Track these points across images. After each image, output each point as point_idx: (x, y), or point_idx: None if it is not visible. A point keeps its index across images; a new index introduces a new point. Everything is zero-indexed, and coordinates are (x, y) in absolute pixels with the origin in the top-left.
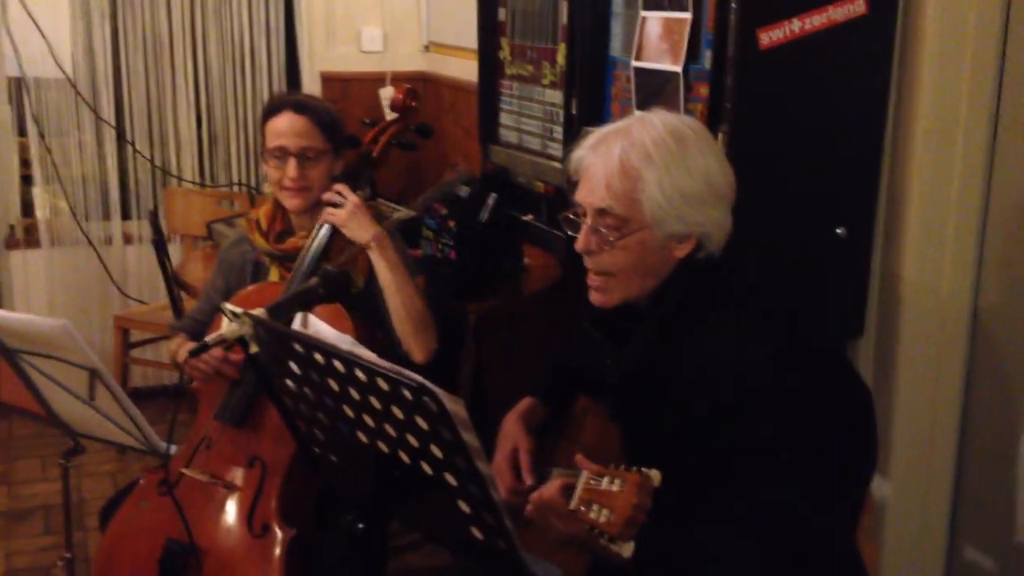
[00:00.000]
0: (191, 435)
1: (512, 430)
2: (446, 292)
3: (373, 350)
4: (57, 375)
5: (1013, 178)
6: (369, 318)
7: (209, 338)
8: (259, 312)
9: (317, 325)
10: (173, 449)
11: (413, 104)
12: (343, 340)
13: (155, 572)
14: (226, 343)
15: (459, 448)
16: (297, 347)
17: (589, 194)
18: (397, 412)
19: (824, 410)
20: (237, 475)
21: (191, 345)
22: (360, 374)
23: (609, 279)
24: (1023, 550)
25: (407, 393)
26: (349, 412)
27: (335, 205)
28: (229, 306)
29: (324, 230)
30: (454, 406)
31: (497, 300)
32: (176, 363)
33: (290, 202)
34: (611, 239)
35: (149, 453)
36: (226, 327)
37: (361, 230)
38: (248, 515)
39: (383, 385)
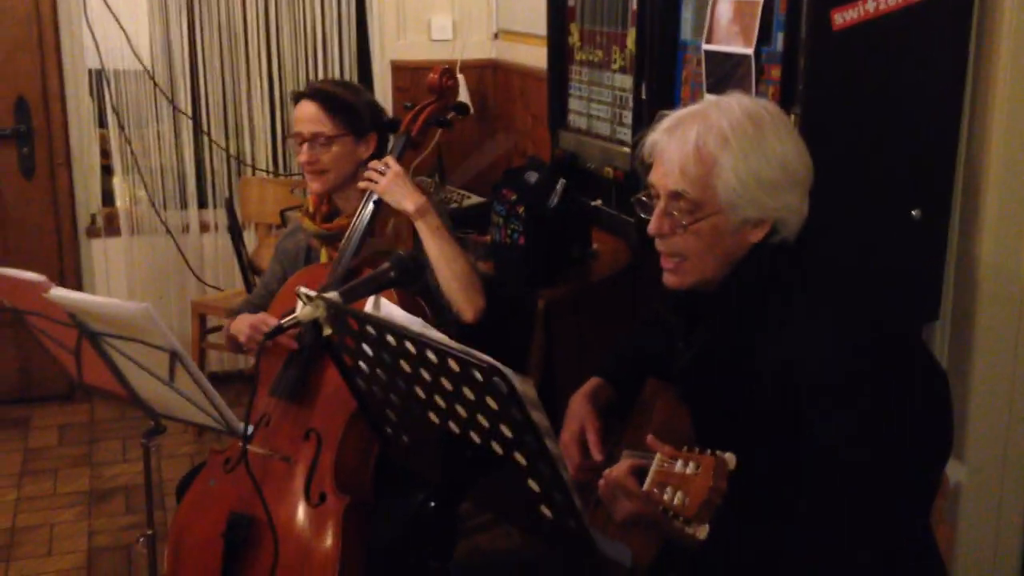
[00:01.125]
0: (253, 414)
1: (579, 409)
2: (515, 278)
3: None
4: (139, 357)
5: None
6: (417, 288)
7: (284, 320)
8: (332, 295)
9: (388, 308)
10: (244, 428)
11: (449, 84)
12: (414, 322)
13: (220, 544)
14: (301, 325)
15: (529, 427)
16: (370, 329)
17: (663, 177)
18: (468, 393)
19: (902, 395)
20: (294, 448)
21: (241, 317)
22: (431, 355)
23: (682, 262)
24: None
25: (477, 374)
26: (421, 393)
27: (379, 174)
28: (304, 289)
29: (369, 207)
30: (523, 386)
31: (566, 286)
32: (228, 337)
33: (311, 184)
34: (684, 223)
35: (227, 433)
36: (300, 309)
37: (403, 198)
38: (306, 485)
39: (454, 366)
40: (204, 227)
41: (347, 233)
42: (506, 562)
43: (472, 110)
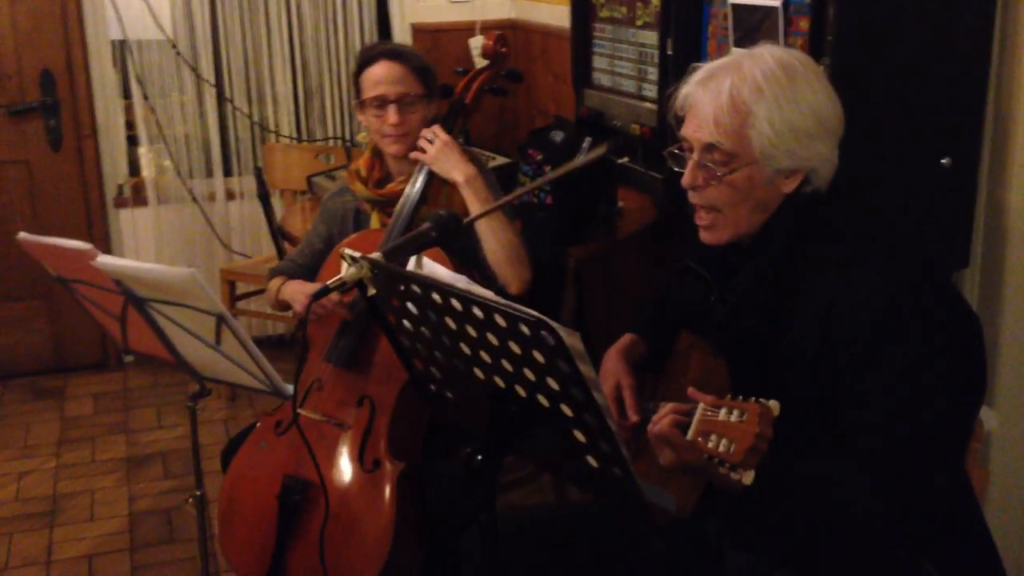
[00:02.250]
0: (304, 377)
1: (614, 366)
2: (544, 236)
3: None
4: (185, 321)
5: None
6: (465, 256)
7: (330, 282)
8: (376, 256)
9: (432, 267)
10: (291, 389)
11: (504, 50)
12: (459, 280)
13: (275, 507)
14: (345, 286)
15: (576, 380)
16: (415, 288)
17: (697, 129)
18: (514, 347)
19: (939, 340)
20: (348, 414)
21: (295, 284)
22: (478, 312)
23: (717, 216)
24: None
25: (525, 328)
26: (466, 349)
27: (428, 143)
28: (348, 251)
29: (422, 175)
30: (571, 339)
31: (594, 243)
32: (279, 301)
33: (392, 147)
34: (719, 174)
35: (274, 394)
36: (345, 271)
37: (451, 167)
38: (360, 451)
39: (500, 321)
40: (230, 195)
41: (400, 201)
42: (548, 515)
43: (523, 76)
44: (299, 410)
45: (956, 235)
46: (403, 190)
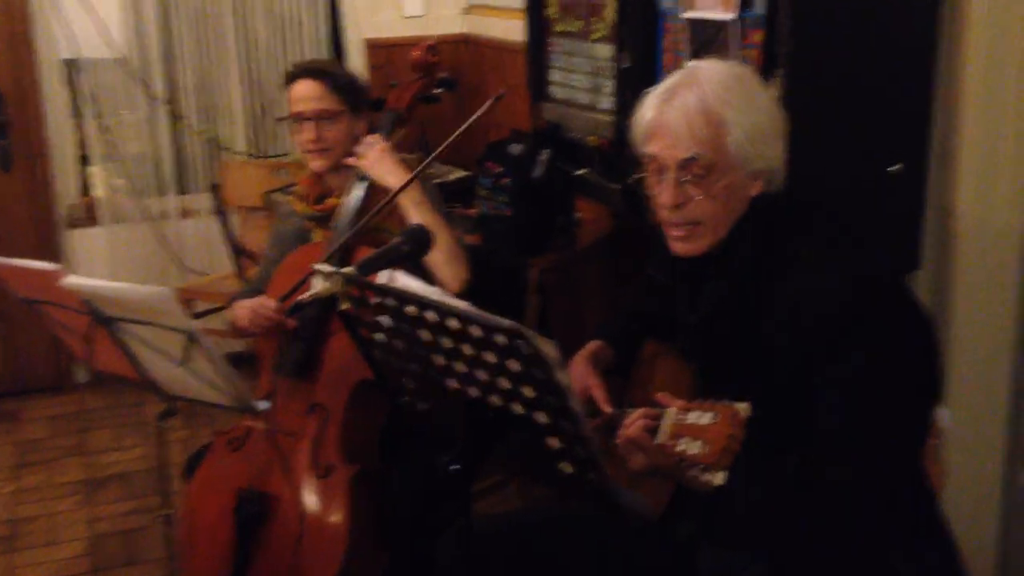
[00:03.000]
0: (257, 393)
1: (582, 370)
2: (504, 249)
3: None
4: (153, 340)
5: None
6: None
7: (303, 297)
8: (350, 270)
9: (404, 280)
10: (262, 406)
11: (434, 60)
12: (432, 292)
13: (232, 522)
14: (320, 301)
15: (552, 387)
16: (389, 301)
17: (671, 147)
18: (489, 357)
19: (901, 337)
20: (299, 422)
21: (241, 302)
22: (453, 322)
23: (696, 227)
24: None
25: (501, 337)
26: (440, 360)
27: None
28: (320, 266)
29: (359, 186)
30: (547, 347)
31: (554, 254)
32: (235, 327)
33: (314, 163)
34: (701, 188)
35: (244, 411)
36: (318, 285)
37: (386, 172)
38: (312, 458)
39: (476, 332)
40: (185, 213)
41: (336, 213)
42: (519, 521)
43: (457, 84)
44: (251, 424)
45: (907, 239)
46: (340, 203)
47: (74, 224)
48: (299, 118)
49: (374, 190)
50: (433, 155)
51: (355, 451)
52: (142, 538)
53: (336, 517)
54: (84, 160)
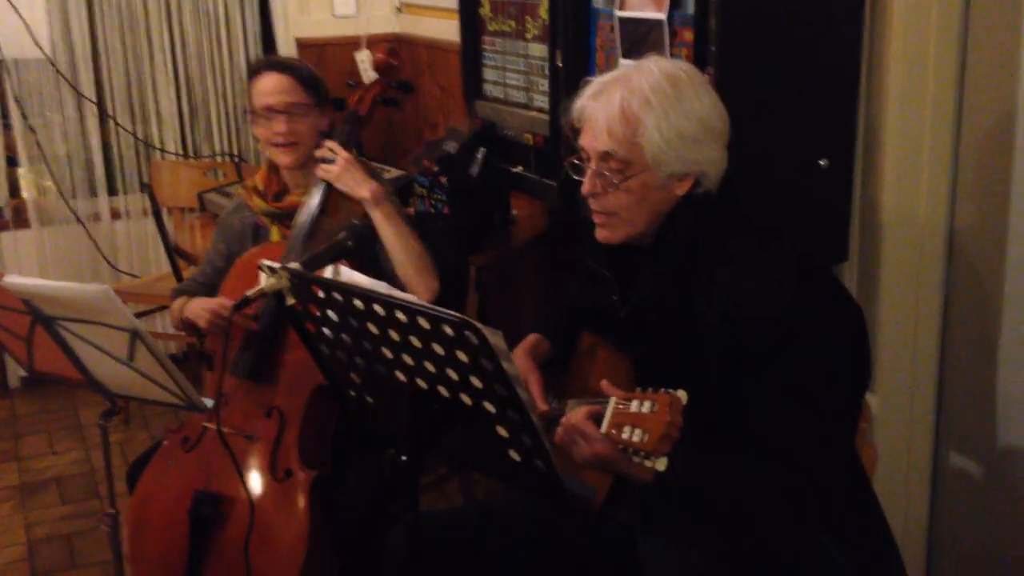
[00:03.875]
0: (207, 392)
1: (521, 363)
2: (444, 246)
3: None
4: (96, 339)
5: (982, 108)
6: (371, 270)
7: (249, 292)
8: (295, 265)
9: (350, 275)
10: (209, 403)
11: (394, 63)
12: (379, 285)
13: (186, 523)
14: (265, 297)
15: (500, 376)
16: (336, 295)
17: (593, 140)
18: (437, 348)
19: (831, 328)
20: (257, 425)
21: (198, 300)
22: (400, 315)
23: (611, 217)
24: (1003, 454)
25: (448, 329)
26: (388, 353)
27: (327, 162)
28: (267, 262)
29: (320, 187)
30: (495, 338)
31: (491, 251)
32: (183, 320)
33: (282, 158)
34: (615, 181)
35: (190, 409)
36: (265, 281)
37: (356, 185)
38: (271, 462)
39: (424, 323)
40: (115, 214)
41: (299, 213)
42: (462, 515)
43: (414, 87)
44: (207, 424)
45: (834, 231)
46: (301, 202)
47: (2, 227)
48: (270, 111)
49: (333, 190)
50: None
51: (312, 455)
52: (82, 541)
53: (296, 522)
54: (12, 162)
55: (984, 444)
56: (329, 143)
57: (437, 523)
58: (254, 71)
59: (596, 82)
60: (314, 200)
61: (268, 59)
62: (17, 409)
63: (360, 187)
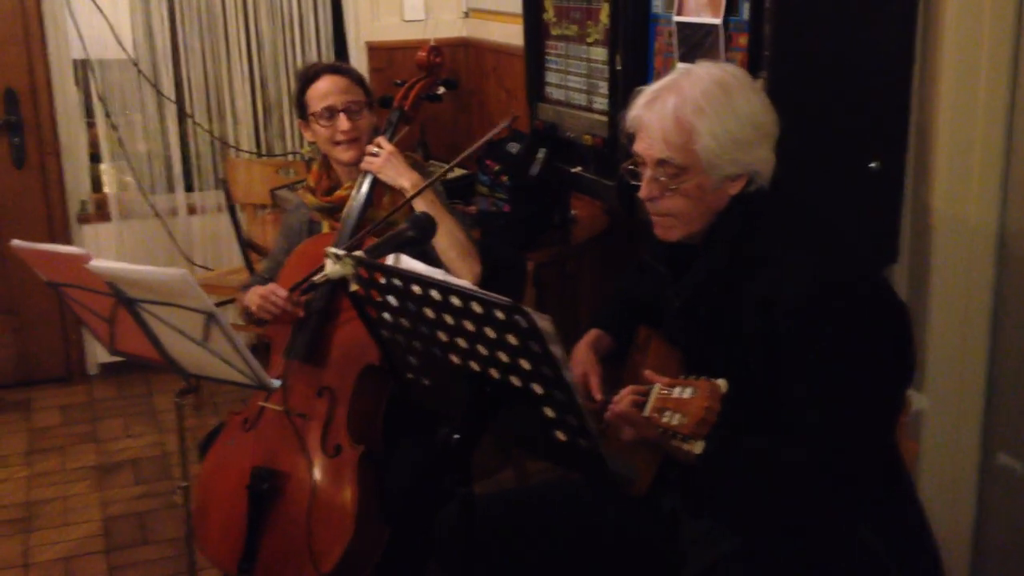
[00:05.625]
0: (269, 375)
1: (583, 357)
2: (503, 242)
3: None
4: (174, 320)
5: None
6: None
7: (316, 278)
8: (359, 253)
9: (409, 263)
10: (276, 383)
11: (437, 60)
12: (435, 272)
13: (245, 497)
14: (330, 282)
15: (547, 359)
16: (396, 281)
17: (648, 147)
18: (489, 332)
19: (869, 324)
20: (309, 405)
21: (255, 288)
22: (455, 300)
23: (667, 218)
24: None
25: (500, 313)
26: (443, 337)
27: (373, 156)
28: (332, 249)
29: (367, 180)
30: (543, 322)
31: (550, 249)
32: (243, 308)
33: (345, 155)
34: (672, 186)
35: (259, 387)
36: (329, 268)
37: (398, 176)
38: (322, 438)
39: (477, 308)
40: (191, 210)
41: (347, 205)
42: (515, 498)
43: (458, 84)
44: (263, 403)
45: (885, 233)
46: (349, 196)
47: (85, 220)
48: (332, 111)
49: (379, 183)
50: (447, 168)
51: (362, 432)
52: (154, 520)
53: (345, 495)
54: (95, 158)
55: None
56: (377, 139)
57: (487, 505)
58: (311, 77)
59: (648, 91)
60: (361, 192)
61: (320, 64)
62: (95, 394)
63: (401, 177)
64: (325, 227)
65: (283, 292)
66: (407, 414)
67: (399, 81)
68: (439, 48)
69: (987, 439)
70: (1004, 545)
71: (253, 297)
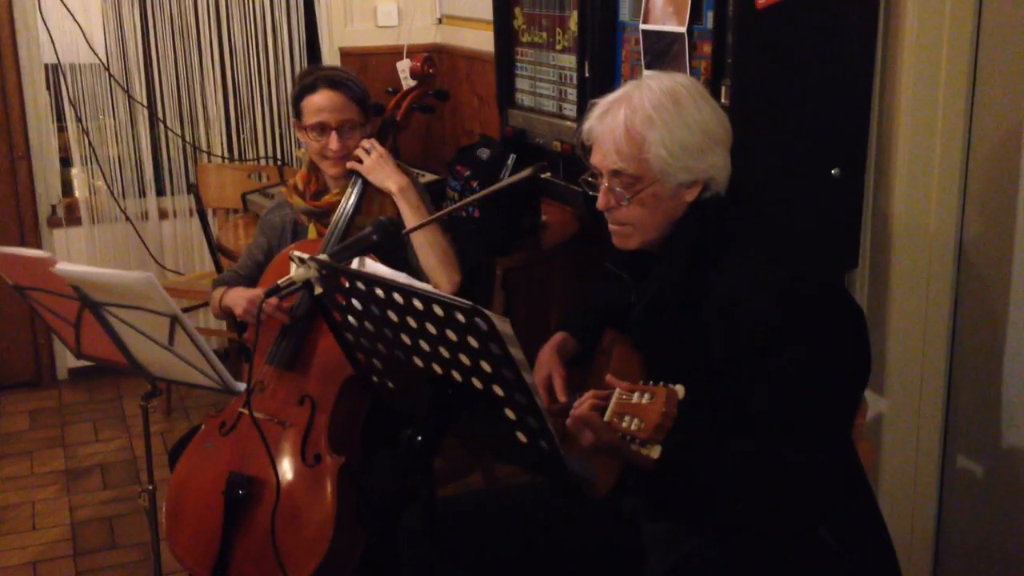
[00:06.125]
0: (241, 378)
1: (547, 359)
2: (473, 248)
3: None
4: (139, 324)
5: (992, 120)
6: (397, 263)
7: (281, 281)
8: (323, 257)
9: (374, 266)
10: (242, 387)
11: (431, 71)
12: (399, 276)
13: (220, 502)
14: (295, 286)
15: (507, 361)
16: (360, 284)
17: (603, 159)
18: (451, 334)
19: (827, 328)
20: (289, 412)
21: (237, 290)
22: (417, 303)
23: (625, 227)
24: (1009, 456)
25: (460, 316)
26: (407, 340)
27: (364, 155)
28: (297, 253)
29: (356, 187)
30: (502, 324)
31: (520, 254)
32: (222, 307)
33: (333, 170)
34: (627, 196)
35: (224, 392)
36: (294, 271)
37: (386, 177)
38: (301, 447)
39: (438, 311)
40: (163, 214)
41: (336, 212)
42: (480, 499)
43: (449, 95)
44: (242, 409)
45: (846, 239)
46: (338, 202)
47: (55, 224)
48: (324, 128)
49: (369, 190)
50: (450, 208)
51: (341, 442)
52: (122, 524)
53: (324, 505)
54: (66, 162)
55: (990, 447)
56: (366, 141)
57: (454, 504)
58: (310, 87)
59: (602, 103)
60: (351, 200)
61: (323, 72)
62: (65, 399)
63: (389, 180)
64: (312, 231)
65: (272, 301)
66: (387, 422)
67: (391, 89)
68: (432, 59)
69: (947, 442)
70: (964, 546)
71: (236, 298)
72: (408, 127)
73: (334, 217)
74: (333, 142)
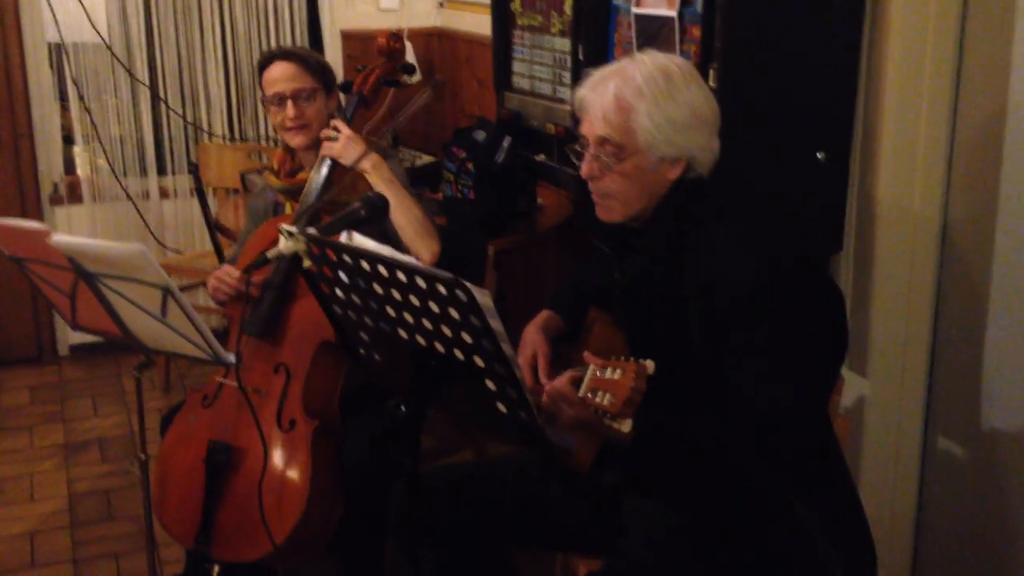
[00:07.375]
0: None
1: (532, 337)
2: (467, 228)
3: None
4: (133, 295)
5: (976, 106)
6: (377, 236)
7: (269, 253)
8: (312, 231)
9: (360, 240)
10: (232, 358)
11: (396, 46)
12: (383, 249)
13: (202, 470)
14: (284, 259)
15: (486, 332)
16: (346, 257)
17: (590, 126)
18: (433, 306)
19: (812, 308)
20: (265, 381)
21: (218, 270)
22: (401, 275)
23: (607, 198)
24: (990, 439)
25: (441, 288)
26: (391, 312)
27: (332, 140)
28: (285, 226)
29: (325, 162)
30: (482, 297)
31: (514, 236)
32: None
33: (294, 140)
34: (610, 164)
35: (215, 362)
36: (283, 244)
37: (357, 157)
38: (277, 413)
39: (421, 283)
40: (164, 193)
41: (306, 186)
42: (466, 472)
43: (418, 71)
44: (221, 379)
45: (831, 222)
46: (310, 177)
47: (57, 202)
48: (279, 98)
49: (338, 166)
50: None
51: (316, 408)
52: (119, 497)
53: (298, 468)
54: (68, 140)
55: (971, 430)
56: (334, 122)
57: (441, 476)
58: (264, 62)
59: (595, 74)
60: (320, 174)
61: (276, 49)
62: (65, 375)
63: (360, 159)
64: (288, 208)
65: (236, 272)
66: (367, 390)
67: (360, 67)
68: (398, 34)
69: (929, 424)
70: (945, 527)
71: (210, 279)
72: (378, 102)
73: (304, 191)
74: (289, 110)
